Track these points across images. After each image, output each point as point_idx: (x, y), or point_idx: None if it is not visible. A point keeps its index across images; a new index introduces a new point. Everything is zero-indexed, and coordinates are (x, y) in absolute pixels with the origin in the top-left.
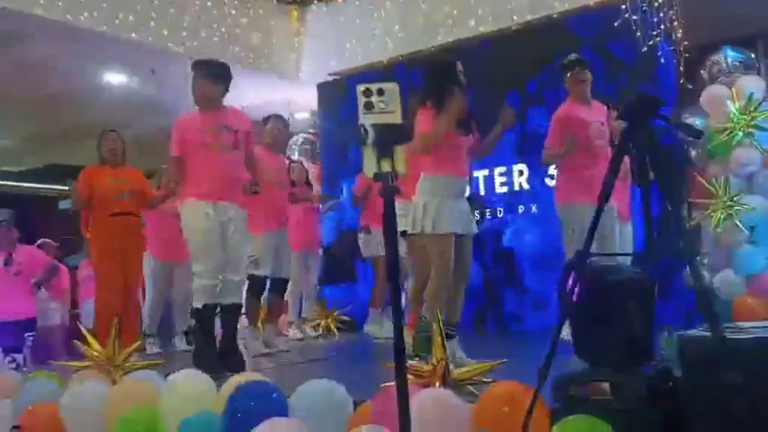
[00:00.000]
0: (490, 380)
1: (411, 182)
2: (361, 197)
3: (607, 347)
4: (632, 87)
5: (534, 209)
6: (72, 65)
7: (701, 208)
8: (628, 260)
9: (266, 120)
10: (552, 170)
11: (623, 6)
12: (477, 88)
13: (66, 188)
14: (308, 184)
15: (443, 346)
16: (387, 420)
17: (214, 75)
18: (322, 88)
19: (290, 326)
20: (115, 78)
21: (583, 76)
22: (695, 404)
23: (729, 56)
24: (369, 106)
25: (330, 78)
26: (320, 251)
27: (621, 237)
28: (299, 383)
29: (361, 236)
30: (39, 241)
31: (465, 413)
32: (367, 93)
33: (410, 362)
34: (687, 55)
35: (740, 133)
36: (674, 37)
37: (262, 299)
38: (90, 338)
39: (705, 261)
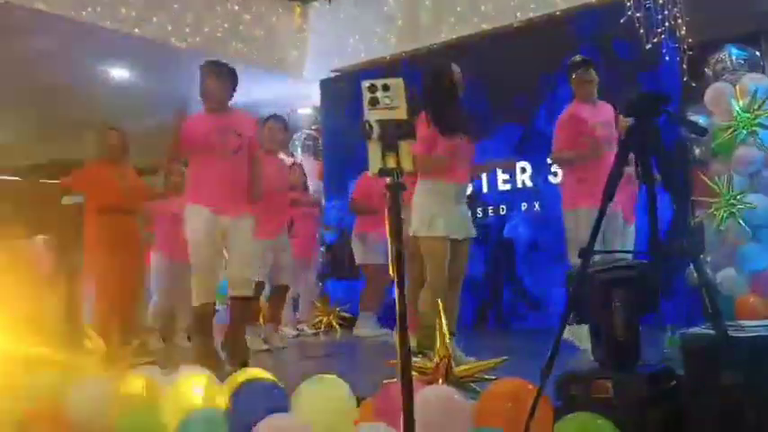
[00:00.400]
0: (493, 377)
1: (409, 186)
2: (360, 201)
3: (610, 344)
4: (635, 85)
5: (537, 206)
6: (74, 59)
7: (703, 206)
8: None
9: (265, 120)
10: (555, 167)
11: (627, 3)
12: (479, 85)
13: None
14: (306, 187)
15: (446, 344)
16: (389, 417)
17: (222, 76)
18: (324, 85)
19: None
20: (117, 73)
21: (588, 77)
22: (697, 402)
23: (733, 53)
24: (374, 102)
25: (333, 75)
26: (318, 255)
27: (624, 237)
28: (302, 380)
29: (356, 242)
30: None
31: (467, 410)
32: (372, 88)
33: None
34: (691, 53)
35: (743, 131)
36: (677, 34)
37: (262, 299)
38: (92, 333)
39: (708, 259)
